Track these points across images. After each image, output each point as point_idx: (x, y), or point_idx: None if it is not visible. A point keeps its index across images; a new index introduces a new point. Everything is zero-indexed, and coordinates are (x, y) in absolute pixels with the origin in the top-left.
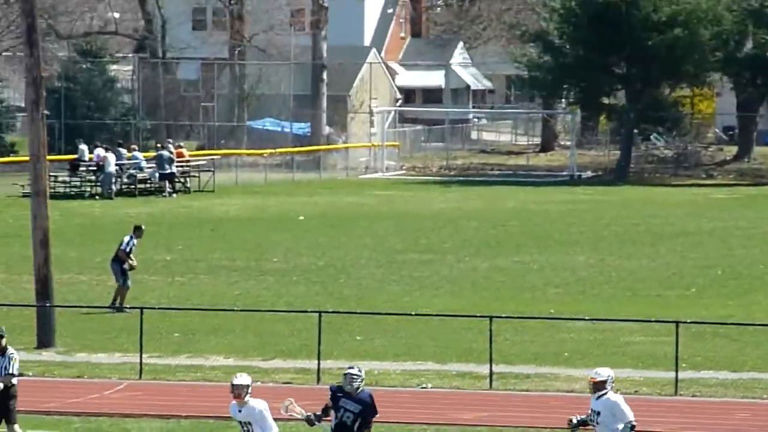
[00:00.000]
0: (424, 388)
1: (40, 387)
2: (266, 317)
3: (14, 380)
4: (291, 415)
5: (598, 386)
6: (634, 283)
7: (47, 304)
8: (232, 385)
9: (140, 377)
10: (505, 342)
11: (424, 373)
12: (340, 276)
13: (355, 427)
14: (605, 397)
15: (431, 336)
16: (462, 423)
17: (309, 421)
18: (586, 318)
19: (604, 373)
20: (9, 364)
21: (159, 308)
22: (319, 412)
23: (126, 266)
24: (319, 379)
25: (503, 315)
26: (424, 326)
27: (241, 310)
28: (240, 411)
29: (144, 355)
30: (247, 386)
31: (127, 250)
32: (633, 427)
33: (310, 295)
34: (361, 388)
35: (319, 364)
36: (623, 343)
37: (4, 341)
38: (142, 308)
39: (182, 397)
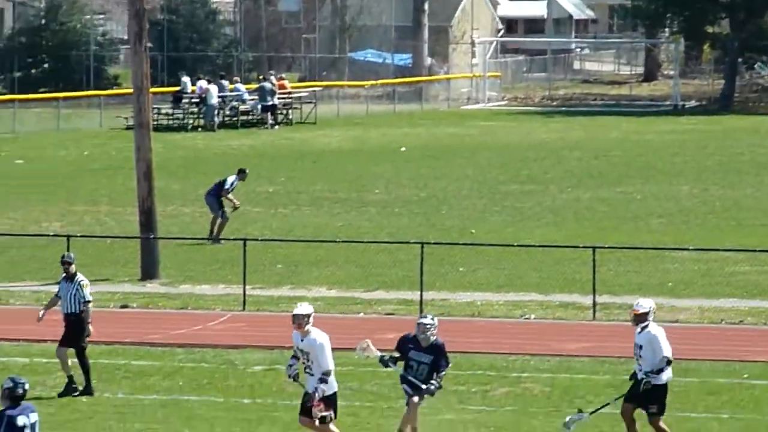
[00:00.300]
0: (527, 318)
1: (144, 318)
2: (368, 248)
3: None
4: (367, 356)
5: (640, 318)
6: (739, 212)
7: (151, 236)
8: (293, 315)
9: (243, 308)
10: (609, 272)
11: (527, 304)
12: (442, 207)
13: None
14: (647, 330)
15: (534, 267)
16: (565, 353)
17: (383, 362)
18: (690, 248)
19: (646, 304)
20: (81, 291)
21: (262, 240)
22: (396, 355)
23: (227, 208)
24: (421, 310)
25: (606, 245)
26: (527, 257)
27: (343, 242)
28: (302, 340)
29: (247, 287)
30: (308, 315)
31: (230, 189)
32: (669, 362)
33: (412, 227)
34: (435, 337)
35: (421, 295)
36: (728, 273)
37: (73, 268)
38: (245, 240)
39: (285, 328)
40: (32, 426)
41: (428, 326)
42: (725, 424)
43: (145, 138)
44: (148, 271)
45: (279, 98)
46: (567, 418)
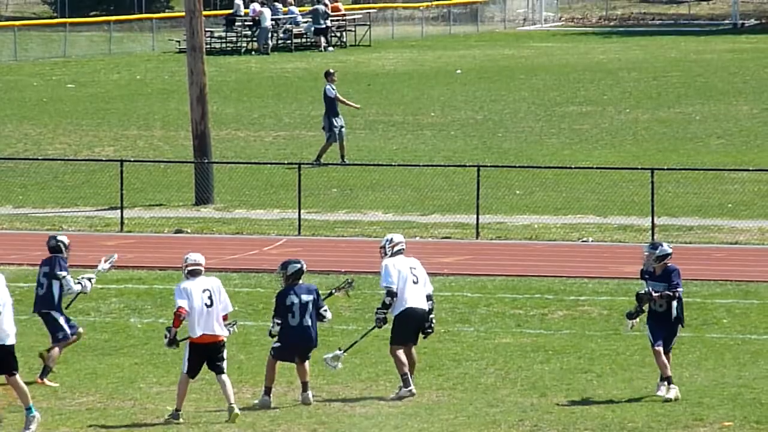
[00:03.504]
0: (585, 241)
1: (199, 244)
2: (424, 172)
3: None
4: (632, 325)
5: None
6: None
7: (205, 161)
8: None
9: (299, 233)
10: (667, 194)
11: (585, 227)
12: (499, 130)
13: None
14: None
15: (592, 189)
16: (624, 276)
17: (631, 316)
18: (751, 168)
19: (396, 239)
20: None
21: (316, 164)
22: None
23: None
24: (478, 235)
25: (665, 167)
26: (585, 179)
27: (399, 165)
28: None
29: (302, 211)
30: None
31: (334, 95)
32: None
33: (468, 150)
34: (668, 264)
35: (477, 218)
36: None
37: None
38: (299, 164)
39: (341, 253)
40: (302, 305)
41: (658, 251)
42: None
43: (198, 61)
44: (203, 196)
45: (332, 20)
46: (325, 356)
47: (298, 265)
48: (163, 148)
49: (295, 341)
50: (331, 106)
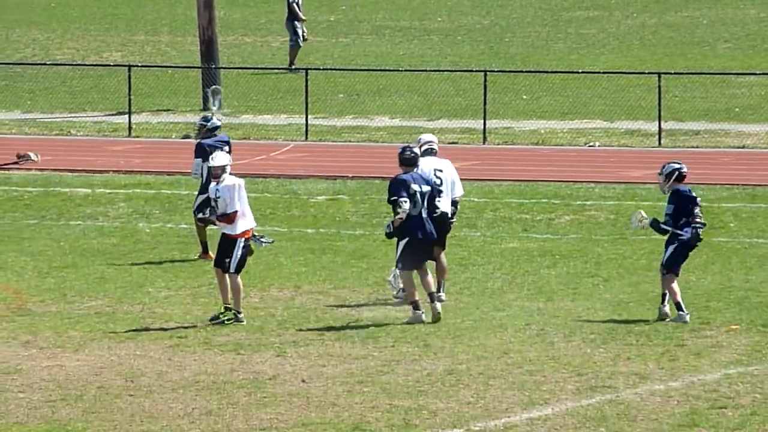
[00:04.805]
0: (592, 146)
1: None
2: (431, 77)
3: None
4: (643, 226)
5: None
6: None
7: (212, 66)
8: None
9: (306, 138)
10: (674, 98)
11: (592, 131)
12: (506, 35)
13: None
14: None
15: (598, 94)
16: (630, 180)
17: (657, 227)
18: (758, 72)
19: (425, 138)
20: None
21: (323, 69)
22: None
23: (300, 31)
24: (485, 140)
25: (672, 71)
26: (591, 84)
27: (405, 71)
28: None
29: (309, 117)
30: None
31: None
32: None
33: (475, 55)
34: (675, 181)
35: (485, 123)
36: None
37: None
38: (306, 69)
39: (348, 158)
40: (422, 194)
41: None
42: None
43: None
44: (208, 102)
45: None
46: (388, 278)
47: (408, 152)
48: (171, 53)
49: (423, 234)
50: (293, 12)
